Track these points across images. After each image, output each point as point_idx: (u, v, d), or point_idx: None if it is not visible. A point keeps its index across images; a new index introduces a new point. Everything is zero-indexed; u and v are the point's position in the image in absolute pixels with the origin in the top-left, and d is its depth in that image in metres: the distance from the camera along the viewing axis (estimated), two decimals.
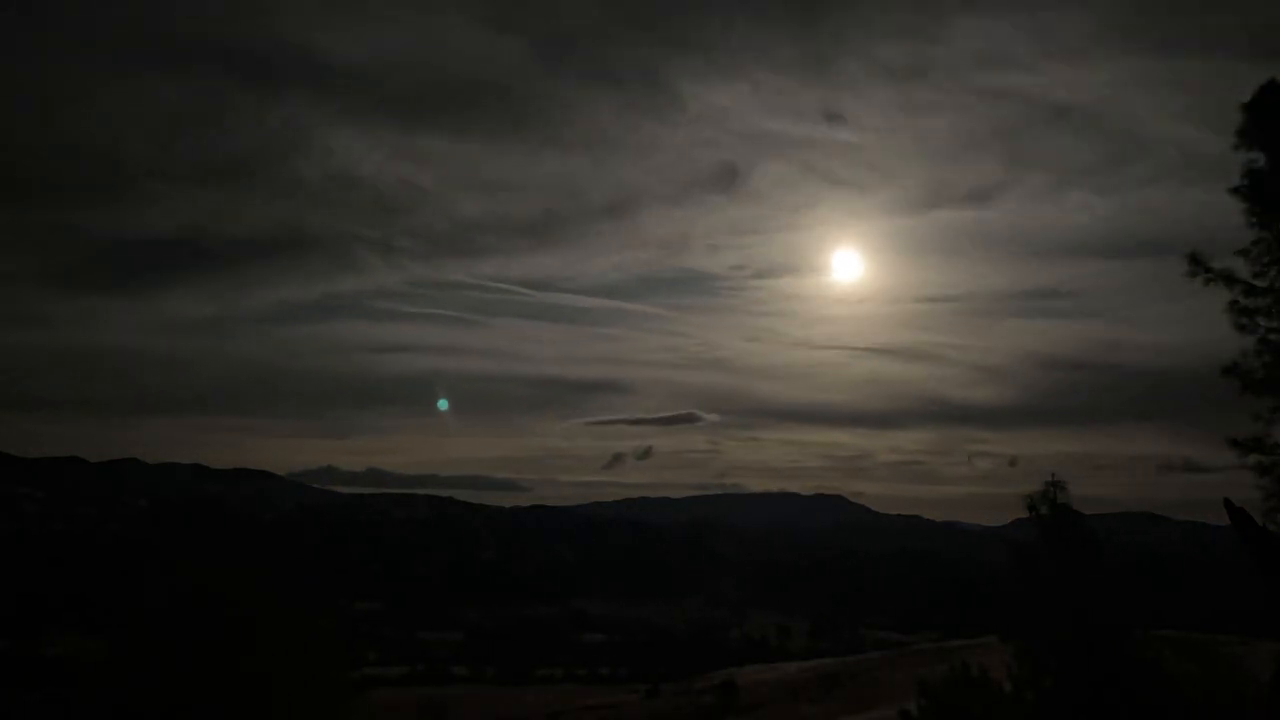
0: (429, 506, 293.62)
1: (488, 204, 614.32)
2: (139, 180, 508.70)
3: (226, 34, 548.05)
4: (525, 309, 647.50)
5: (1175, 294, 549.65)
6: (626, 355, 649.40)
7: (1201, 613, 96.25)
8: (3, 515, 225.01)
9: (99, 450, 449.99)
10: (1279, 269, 14.82)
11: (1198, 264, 15.46)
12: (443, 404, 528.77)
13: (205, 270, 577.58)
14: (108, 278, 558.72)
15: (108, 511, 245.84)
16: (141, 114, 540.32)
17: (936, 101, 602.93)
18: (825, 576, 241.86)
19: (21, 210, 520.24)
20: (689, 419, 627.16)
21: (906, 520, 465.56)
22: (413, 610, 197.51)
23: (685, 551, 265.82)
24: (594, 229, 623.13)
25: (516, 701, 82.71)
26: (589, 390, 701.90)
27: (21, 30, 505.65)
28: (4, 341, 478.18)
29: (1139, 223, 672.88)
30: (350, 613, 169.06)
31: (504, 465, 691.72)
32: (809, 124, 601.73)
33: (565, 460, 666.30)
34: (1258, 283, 14.95)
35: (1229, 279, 15.17)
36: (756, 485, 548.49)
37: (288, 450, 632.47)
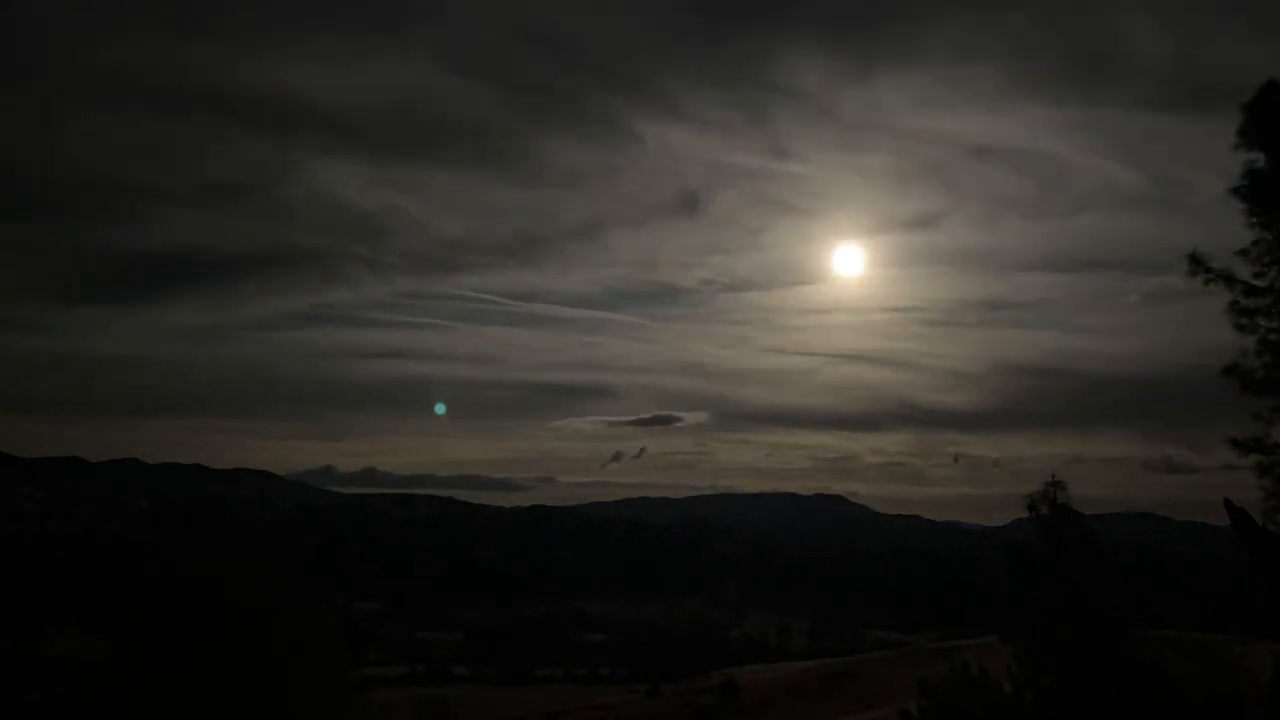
0: (429, 506, 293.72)
1: (467, 226, 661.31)
2: (137, 202, 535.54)
3: (218, 78, 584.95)
4: (509, 318, 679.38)
5: (1116, 306, 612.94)
6: (609, 361, 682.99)
7: (1201, 613, 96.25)
8: (3, 515, 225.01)
9: (99, 450, 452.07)
10: (1279, 269, 14.82)
11: (1197, 264, 15.44)
12: (440, 408, 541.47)
13: (201, 284, 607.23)
14: (107, 291, 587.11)
15: (108, 511, 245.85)
16: (140, 144, 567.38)
17: (873, 142, 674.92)
18: (825, 576, 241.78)
19: (26, 228, 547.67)
20: (674, 422, 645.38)
21: (906, 520, 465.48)
22: (413, 610, 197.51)
23: (685, 551, 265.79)
24: (568, 249, 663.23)
25: (516, 701, 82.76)
26: (576, 394, 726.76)
27: (34, 73, 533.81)
28: (7, 348, 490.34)
29: (1072, 244, 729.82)
30: (350, 613, 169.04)
31: (499, 466, 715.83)
32: (760, 158, 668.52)
33: (558, 461, 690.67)
34: (1258, 283, 14.93)
35: (1229, 279, 15.15)
36: (747, 486, 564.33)
37: (287, 451, 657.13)
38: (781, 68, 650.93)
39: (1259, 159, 14.96)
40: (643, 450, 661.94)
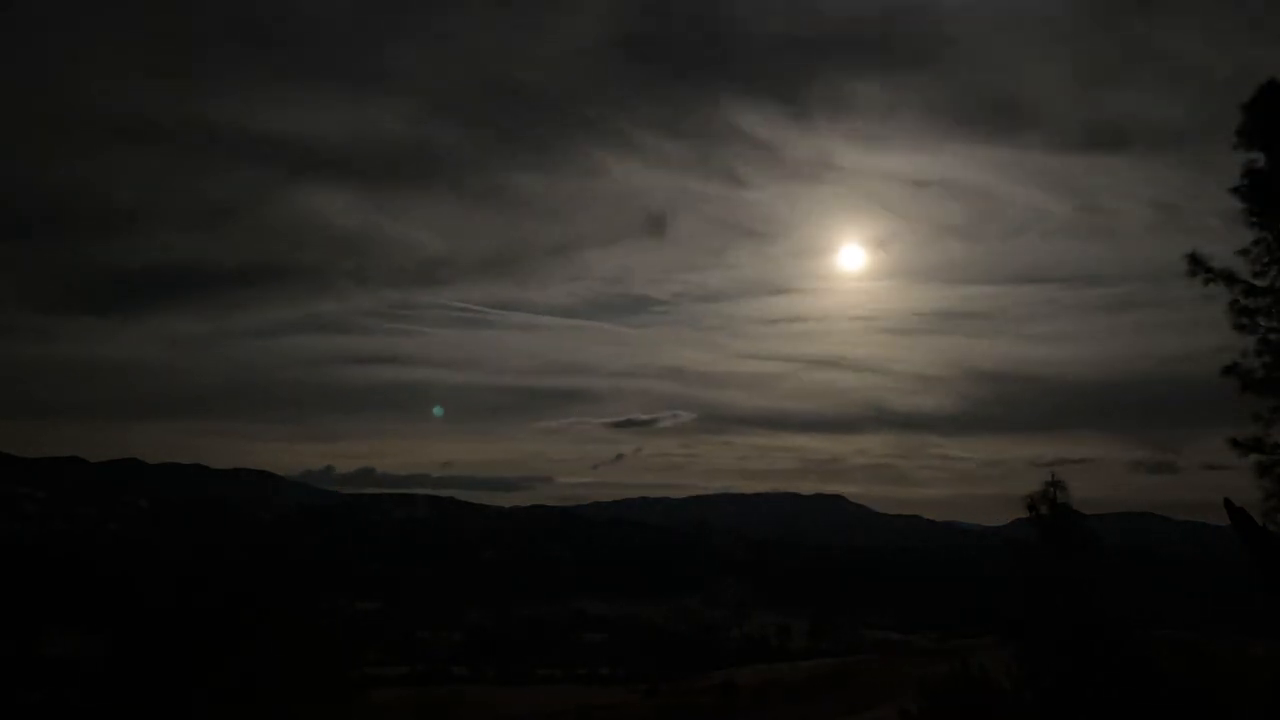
0: (429, 506, 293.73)
1: (446, 246, 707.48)
2: (133, 221, 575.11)
3: (204, 114, 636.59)
4: (492, 326, 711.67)
5: (1064, 315, 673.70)
6: (591, 366, 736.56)
7: (1201, 613, 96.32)
8: (3, 515, 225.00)
9: (99, 450, 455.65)
10: (1279, 269, 14.80)
11: (1197, 264, 15.43)
12: (438, 411, 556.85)
13: (197, 296, 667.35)
14: (107, 302, 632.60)
15: (108, 511, 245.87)
16: (137, 172, 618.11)
17: (818, 174, 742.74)
18: (825, 576, 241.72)
19: (28, 244, 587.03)
20: (658, 424, 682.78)
21: (906, 520, 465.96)
22: (413, 610, 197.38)
23: (685, 551, 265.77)
24: (544, 266, 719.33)
25: (516, 701, 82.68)
26: (560, 398, 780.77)
27: (42, 107, 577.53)
28: (10, 354, 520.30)
29: (1013, 262, 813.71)
30: (350, 613, 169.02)
31: (490, 468, 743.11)
32: (717, 186, 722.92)
33: (548, 463, 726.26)
34: (1258, 283, 14.92)
35: (1229, 279, 15.13)
36: (742, 487, 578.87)
37: (287, 451, 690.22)
38: (727, 112, 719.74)
39: (1259, 159, 14.94)
40: (632, 452, 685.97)
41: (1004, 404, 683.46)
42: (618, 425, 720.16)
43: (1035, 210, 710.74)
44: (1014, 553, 18.00)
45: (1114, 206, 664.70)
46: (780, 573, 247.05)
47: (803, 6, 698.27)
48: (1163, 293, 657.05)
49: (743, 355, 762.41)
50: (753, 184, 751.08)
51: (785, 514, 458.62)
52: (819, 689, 61.72)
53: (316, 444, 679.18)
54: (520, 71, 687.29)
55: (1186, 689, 17.19)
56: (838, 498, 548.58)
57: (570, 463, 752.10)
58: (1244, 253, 15.01)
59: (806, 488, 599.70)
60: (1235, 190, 15.13)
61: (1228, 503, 14.25)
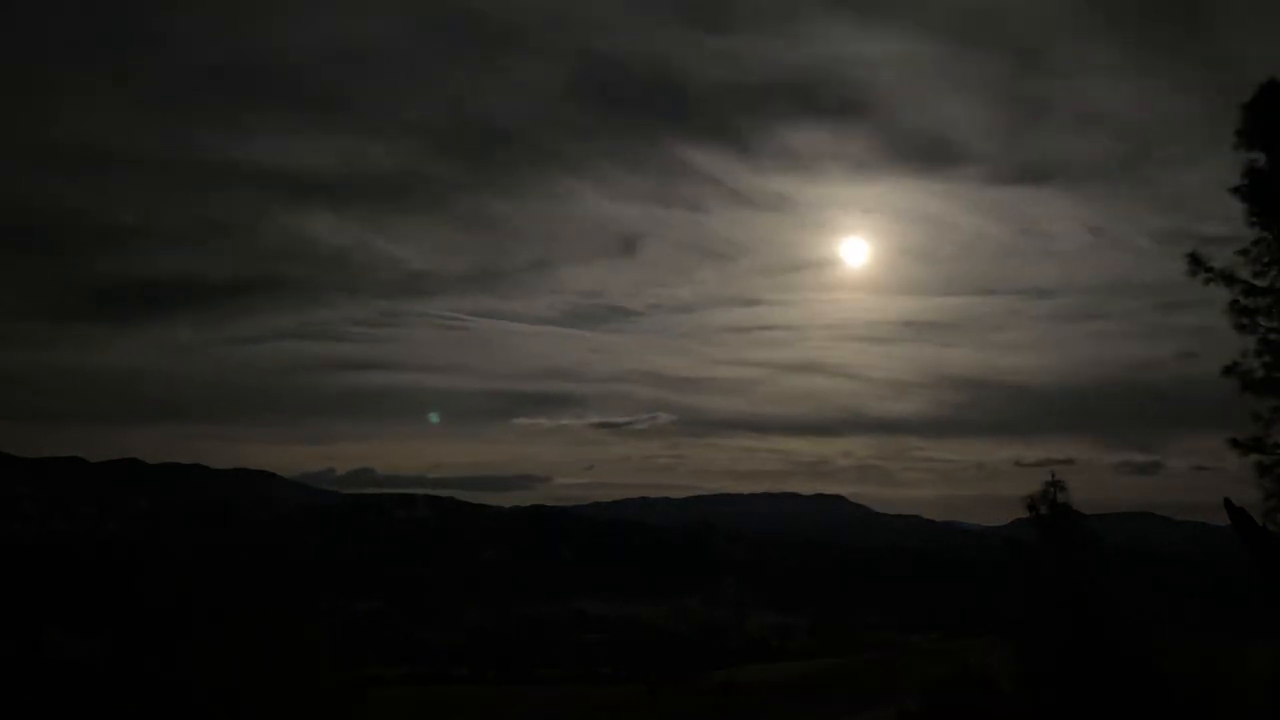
0: (429, 506, 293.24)
1: (429, 261, 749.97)
2: (129, 239, 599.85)
3: (196, 145, 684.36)
4: (478, 334, 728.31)
5: (1020, 325, 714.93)
6: (575, 372, 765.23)
7: (1201, 613, 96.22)
8: (3, 515, 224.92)
9: (99, 450, 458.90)
10: (1279, 269, 14.78)
11: (1198, 264, 15.41)
12: (434, 417, 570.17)
13: (192, 306, 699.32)
14: (106, 312, 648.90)
15: (108, 511, 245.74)
16: (130, 192, 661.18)
17: (769, 203, 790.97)
18: (825, 576, 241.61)
19: (28, 258, 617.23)
20: (644, 426, 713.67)
21: (906, 520, 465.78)
22: (413, 610, 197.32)
23: (685, 551, 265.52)
24: (523, 281, 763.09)
25: (517, 701, 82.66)
26: (547, 401, 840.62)
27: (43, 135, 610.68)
28: (11, 361, 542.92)
29: (966, 277, 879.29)
30: (350, 613, 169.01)
31: (484, 468, 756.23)
32: (680, 212, 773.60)
33: (539, 464, 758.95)
34: (1258, 282, 14.89)
35: (1229, 279, 15.11)
36: (740, 488, 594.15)
37: (285, 453, 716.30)
38: (678, 150, 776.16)
39: (1259, 159, 14.91)
40: (620, 455, 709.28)
41: (979, 408, 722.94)
42: (601, 427, 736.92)
43: (979, 233, 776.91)
44: (1014, 553, 18.00)
45: (1050, 230, 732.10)
46: (780, 573, 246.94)
47: (739, 61, 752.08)
48: (1110, 305, 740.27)
49: (718, 361, 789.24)
50: (711, 211, 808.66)
51: (785, 514, 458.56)
52: (819, 689, 61.72)
53: (312, 446, 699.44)
54: (491, 110, 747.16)
55: (1186, 689, 17.19)
56: (838, 498, 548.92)
57: (558, 464, 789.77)
58: (1244, 253, 14.98)
59: (806, 488, 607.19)
60: (1235, 190, 15.10)
61: (1228, 503, 14.21)
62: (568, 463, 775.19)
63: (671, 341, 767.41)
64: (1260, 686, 17.54)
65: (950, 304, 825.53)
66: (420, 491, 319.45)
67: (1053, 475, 17.72)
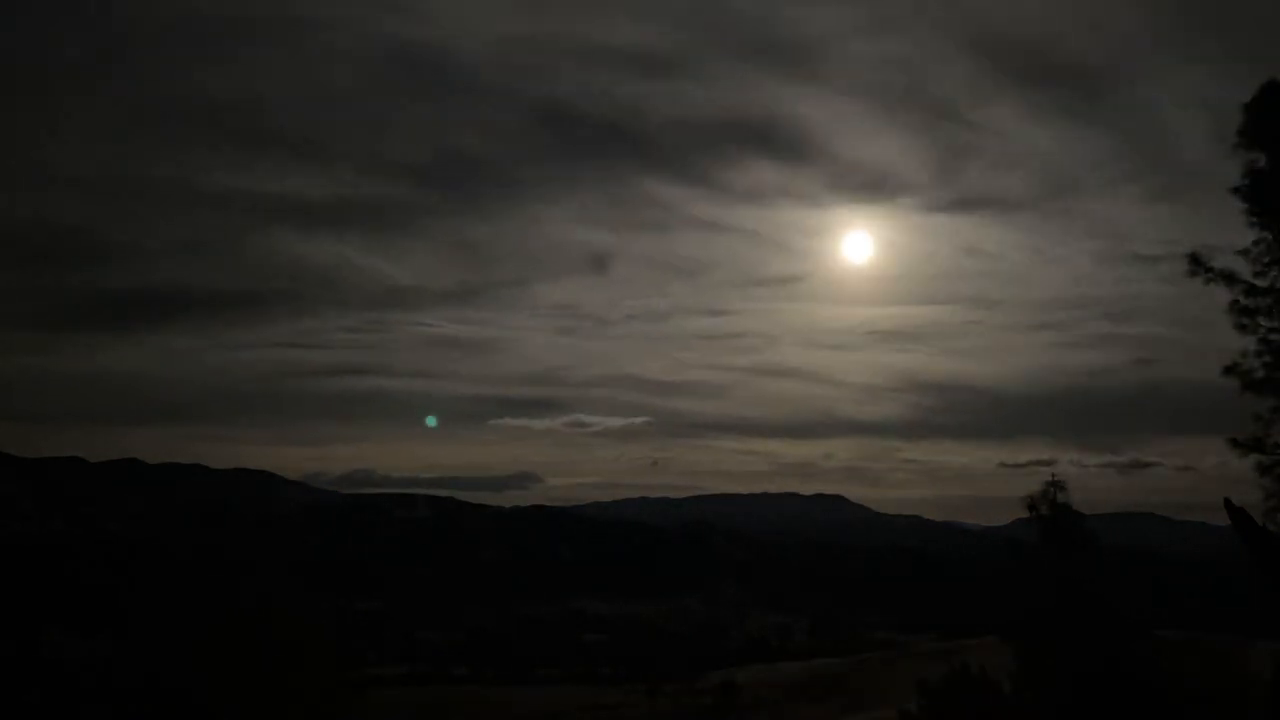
0: (429, 506, 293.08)
1: (411, 276, 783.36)
2: (126, 249, 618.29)
3: (189, 172, 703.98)
4: (463, 341, 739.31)
5: (977, 333, 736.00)
6: (562, 376, 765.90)
7: (1201, 613, 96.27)
8: (3, 515, 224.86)
9: (99, 451, 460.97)
10: (1279, 269, 14.77)
11: (1198, 264, 15.40)
12: (431, 421, 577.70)
13: (185, 315, 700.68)
14: (105, 321, 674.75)
15: (108, 511, 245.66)
16: (123, 208, 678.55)
17: (728, 226, 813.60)
18: (825, 576, 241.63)
19: (32, 271, 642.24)
20: (632, 428, 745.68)
21: (906, 520, 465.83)
22: (413, 610, 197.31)
23: (685, 551, 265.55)
24: (501, 295, 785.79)
25: (517, 701, 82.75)
26: (537, 405, 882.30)
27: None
28: (13, 366, 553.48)
29: (920, 289, 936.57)
30: (350, 613, 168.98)
31: (480, 469, 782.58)
32: (645, 234, 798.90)
33: (532, 465, 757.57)
34: (1258, 283, 14.89)
35: (1230, 279, 15.10)
36: (738, 488, 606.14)
37: (286, 453, 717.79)
38: (639, 180, 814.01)
39: (1259, 159, 14.89)
40: (613, 456, 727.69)
41: (952, 412, 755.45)
42: (596, 430, 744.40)
43: (925, 252, 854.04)
44: (1015, 553, 18.00)
45: (992, 250, 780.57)
46: (780, 573, 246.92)
47: (691, 101, 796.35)
48: (1060, 315, 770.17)
49: (699, 366, 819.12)
50: (674, 232, 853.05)
51: (785, 514, 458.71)
52: (819, 689, 61.72)
53: (309, 448, 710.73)
54: (463, 143, 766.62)
55: (1186, 689, 17.19)
56: (838, 498, 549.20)
57: (549, 465, 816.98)
58: (1244, 253, 14.97)
59: (806, 488, 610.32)
60: (1236, 190, 15.08)
61: (1228, 503, 14.19)
62: (559, 463, 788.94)
63: (651, 346, 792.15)
64: (1260, 686, 17.54)
65: (911, 313, 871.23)
66: (420, 491, 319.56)
67: (1053, 476, 17.73)
